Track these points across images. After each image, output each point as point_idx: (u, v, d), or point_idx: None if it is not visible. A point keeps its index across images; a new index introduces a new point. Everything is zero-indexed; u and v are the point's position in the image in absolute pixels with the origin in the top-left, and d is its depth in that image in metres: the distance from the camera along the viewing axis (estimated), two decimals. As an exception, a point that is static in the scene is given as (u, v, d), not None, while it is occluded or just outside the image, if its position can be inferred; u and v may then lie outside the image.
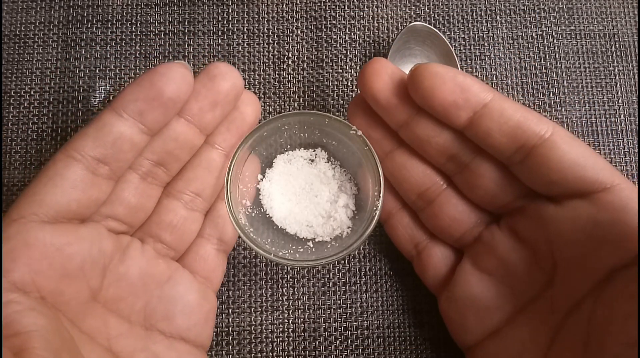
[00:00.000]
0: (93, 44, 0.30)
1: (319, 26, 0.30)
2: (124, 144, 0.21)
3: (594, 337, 0.19)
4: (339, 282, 0.27)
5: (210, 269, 0.24)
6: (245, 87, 0.28)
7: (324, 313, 0.27)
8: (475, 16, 0.31)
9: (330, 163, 0.27)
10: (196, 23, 0.30)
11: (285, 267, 0.27)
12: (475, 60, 0.30)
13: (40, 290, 0.19)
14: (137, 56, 0.30)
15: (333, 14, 0.31)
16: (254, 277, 0.27)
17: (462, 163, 0.23)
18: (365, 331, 0.27)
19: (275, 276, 0.27)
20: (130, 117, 0.20)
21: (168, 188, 0.24)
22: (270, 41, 0.30)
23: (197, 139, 0.23)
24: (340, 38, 0.30)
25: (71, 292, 0.20)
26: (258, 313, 0.27)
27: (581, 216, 0.20)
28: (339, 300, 0.27)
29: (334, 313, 0.27)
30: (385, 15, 0.31)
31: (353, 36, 0.30)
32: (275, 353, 0.26)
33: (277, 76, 0.30)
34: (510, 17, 0.31)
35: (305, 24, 0.30)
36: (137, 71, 0.29)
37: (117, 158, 0.21)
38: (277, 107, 0.29)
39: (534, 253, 0.22)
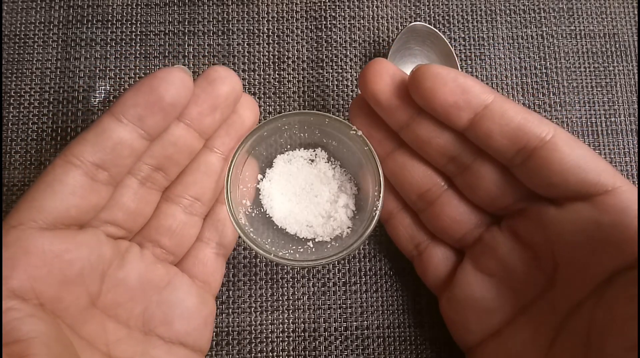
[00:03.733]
0: (93, 44, 0.30)
1: (319, 26, 0.30)
2: (123, 149, 0.20)
3: (594, 339, 0.19)
4: (339, 282, 0.27)
5: (209, 273, 0.24)
6: (244, 91, 0.28)
7: (324, 313, 0.27)
8: (475, 16, 0.31)
9: (330, 163, 0.27)
10: (196, 23, 0.30)
11: (285, 267, 0.27)
12: (475, 60, 0.30)
13: (39, 296, 0.19)
14: (137, 56, 0.30)
15: (333, 14, 0.31)
16: (254, 277, 0.27)
17: (463, 165, 0.23)
18: (365, 331, 0.27)
19: (275, 276, 0.27)
20: (129, 123, 0.20)
21: (167, 193, 0.24)
22: (270, 41, 0.30)
23: (196, 143, 0.23)
24: (340, 38, 0.30)
25: (70, 298, 0.20)
26: (258, 313, 0.27)
27: (582, 218, 0.20)
28: (339, 300, 0.27)
29: (334, 313, 0.27)
30: (385, 15, 0.31)
31: (353, 36, 0.30)
32: (275, 353, 0.26)
33: (277, 76, 0.30)
34: (510, 17, 0.31)
35: (305, 24, 0.30)
36: (137, 71, 0.29)
37: (116, 163, 0.20)
38: (277, 107, 0.29)
39: (535, 254, 0.22)
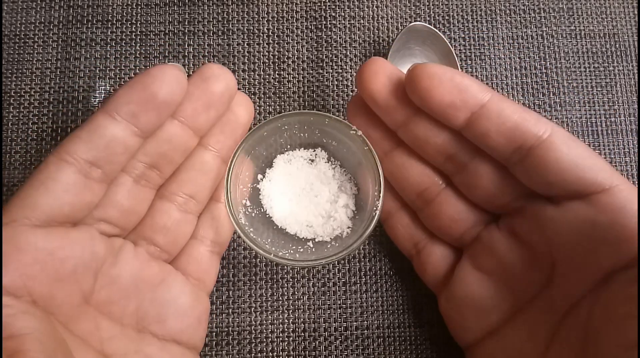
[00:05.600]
0: (93, 44, 0.30)
1: (319, 26, 0.30)
2: (117, 147, 0.20)
3: (592, 338, 0.19)
4: (339, 282, 0.27)
5: (203, 271, 0.24)
6: (239, 89, 0.28)
7: (324, 313, 0.27)
8: (475, 16, 0.31)
9: (330, 163, 0.27)
10: (196, 23, 0.30)
11: (285, 267, 0.27)
12: (475, 60, 0.30)
13: (31, 294, 0.19)
14: (137, 56, 0.30)
15: (333, 14, 0.31)
16: (254, 277, 0.27)
17: (461, 163, 0.23)
18: (365, 331, 0.27)
19: (275, 276, 0.27)
20: (123, 120, 0.20)
21: (161, 190, 0.24)
22: (270, 41, 0.30)
23: (190, 141, 0.23)
24: (340, 38, 0.30)
25: (63, 296, 0.20)
26: (258, 313, 0.27)
27: (579, 217, 0.20)
28: (339, 300, 0.27)
29: (334, 313, 0.27)
30: (385, 15, 0.31)
31: (353, 36, 0.30)
32: (275, 353, 0.26)
33: (277, 76, 0.30)
34: (510, 17, 0.31)
35: (305, 24, 0.30)
36: (137, 71, 0.29)
37: (110, 160, 0.20)
38: (277, 107, 0.29)
39: (533, 253, 0.22)
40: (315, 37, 0.30)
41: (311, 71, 0.30)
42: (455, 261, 0.25)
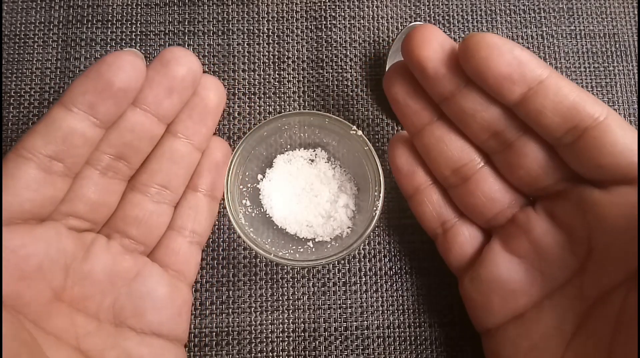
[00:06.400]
0: (93, 44, 0.30)
1: (319, 26, 0.30)
2: (75, 139, 0.20)
3: (623, 328, 0.18)
4: (339, 282, 0.27)
5: (182, 262, 0.24)
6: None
7: (324, 313, 0.27)
8: (475, 16, 0.31)
9: (330, 163, 0.27)
10: (196, 23, 0.30)
11: (285, 267, 0.27)
12: (475, 60, 0.30)
13: None
14: (137, 56, 0.30)
15: (333, 14, 0.31)
16: (254, 277, 0.27)
17: (506, 141, 0.22)
18: (365, 331, 0.27)
19: (275, 276, 0.27)
20: (80, 111, 0.20)
21: (132, 182, 0.23)
22: (270, 41, 0.30)
23: (156, 129, 0.22)
24: (340, 38, 0.30)
25: (31, 294, 0.19)
26: (258, 313, 0.27)
27: (627, 203, 0.19)
28: (339, 300, 0.27)
29: (334, 313, 0.27)
30: (385, 15, 0.31)
31: (353, 36, 0.30)
32: (275, 353, 0.26)
33: (277, 76, 0.30)
34: (510, 17, 0.31)
35: (305, 24, 0.30)
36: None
37: (70, 153, 0.20)
38: (277, 107, 0.29)
39: (570, 238, 0.21)
40: (315, 37, 0.30)
41: (311, 71, 0.30)
42: (482, 242, 0.24)
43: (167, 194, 0.23)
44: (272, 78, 0.30)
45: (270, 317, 0.27)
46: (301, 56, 0.30)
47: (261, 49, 0.30)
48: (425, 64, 0.21)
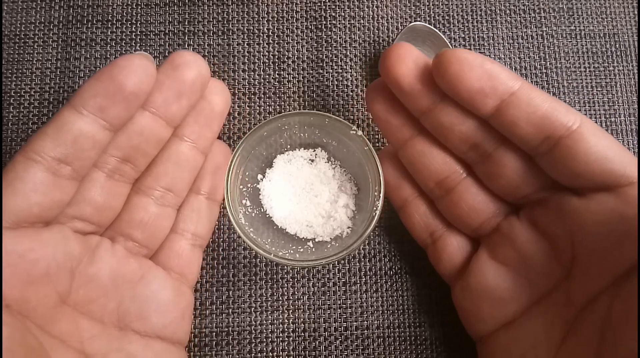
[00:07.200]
0: (93, 44, 0.30)
1: (319, 26, 0.30)
2: (85, 142, 0.20)
3: (610, 332, 0.19)
4: (339, 282, 0.27)
5: (184, 265, 0.24)
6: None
7: (324, 313, 0.27)
8: (475, 16, 0.31)
9: (330, 163, 0.27)
10: (196, 23, 0.30)
11: (285, 267, 0.27)
12: (475, 60, 0.30)
13: (4, 298, 0.18)
14: (137, 56, 0.30)
15: (333, 14, 0.31)
16: (254, 277, 0.27)
17: (485, 152, 0.22)
18: (365, 331, 0.27)
19: (275, 276, 0.27)
20: (90, 114, 0.20)
21: (137, 184, 0.23)
22: (270, 41, 0.30)
23: (163, 132, 0.22)
24: (340, 38, 0.30)
25: (38, 298, 0.19)
26: (258, 313, 0.27)
27: (605, 209, 0.20)
28: (339, 300, 0.27)
29: (334, 313, 0.27)
30: (385, 15, 0.31)
31: (353, 36, 0.30)
32: (275, 353, 0.26)
33: (277, 76, 0.30)
34: (510, 17, 0.31)
35: (305, 24, 0.30)
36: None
37: (79, 156, 0.20)
38: (277, 107, 0.29)
39: (553, 245, 0.22)
40: (315, 37, 0.30)
41: (311, 71, 0.30)
42: (471, 251, 0.24)
43: (171, 197, 0.23)
44: (272, 78, 0.30)
45: (270, 316, 0.27)
46: (301, 56, 0.30)
47: (261, 49, 0.30)
48: (401, 81, 0.22)
